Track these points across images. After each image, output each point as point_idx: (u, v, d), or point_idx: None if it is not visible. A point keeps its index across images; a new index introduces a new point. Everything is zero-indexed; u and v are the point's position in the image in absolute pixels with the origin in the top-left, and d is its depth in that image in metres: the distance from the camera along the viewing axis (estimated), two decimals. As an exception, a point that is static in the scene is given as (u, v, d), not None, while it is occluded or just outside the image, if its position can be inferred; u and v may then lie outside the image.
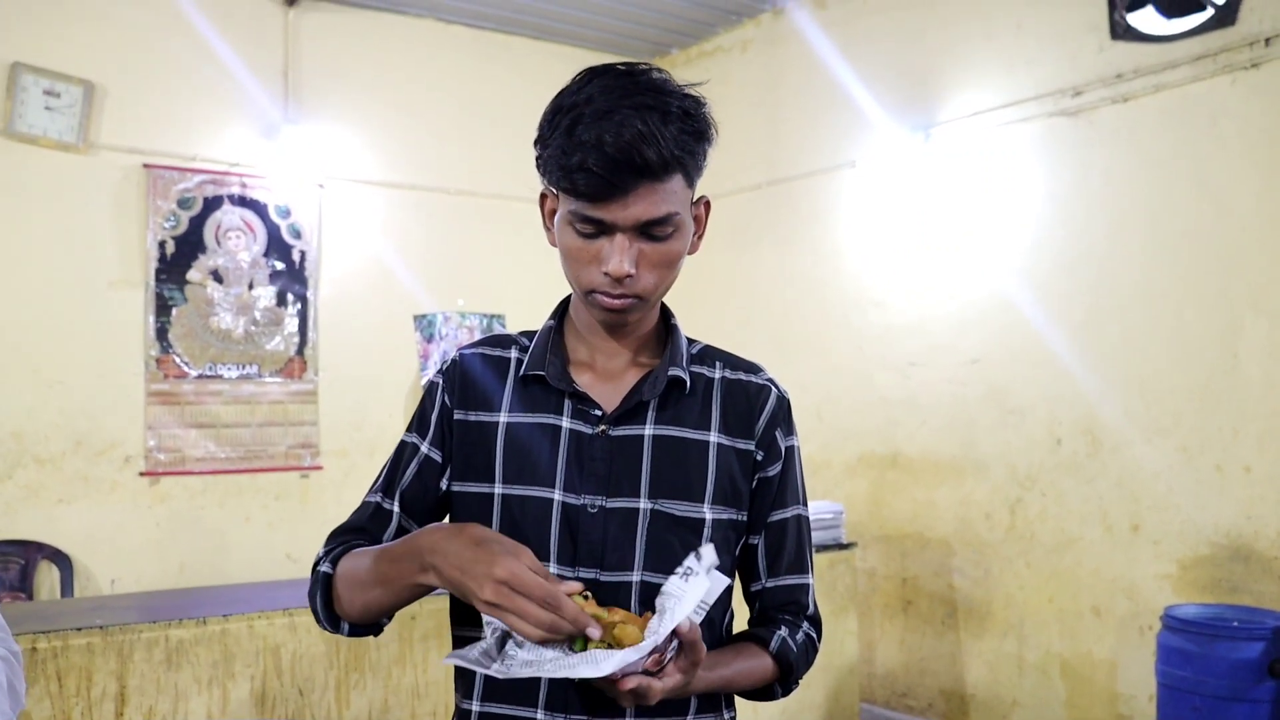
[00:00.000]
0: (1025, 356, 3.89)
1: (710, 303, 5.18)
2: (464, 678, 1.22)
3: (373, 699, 2.61)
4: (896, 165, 4.37)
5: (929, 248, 4.26)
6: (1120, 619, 3.59)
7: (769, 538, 1.25)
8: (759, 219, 5.04)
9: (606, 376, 1.22)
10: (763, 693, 1.25)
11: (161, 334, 4.32)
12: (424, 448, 1.24)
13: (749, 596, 1.29)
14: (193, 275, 4.39)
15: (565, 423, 1.19)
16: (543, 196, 1.19)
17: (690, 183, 1.14)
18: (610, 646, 1.00)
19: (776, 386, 1.27)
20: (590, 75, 1.10)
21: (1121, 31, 3.58)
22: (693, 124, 1.09)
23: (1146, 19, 3.51)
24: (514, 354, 1.25)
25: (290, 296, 4.62)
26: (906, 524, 4.33)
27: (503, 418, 1.22)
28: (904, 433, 4.34)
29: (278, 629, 2.50)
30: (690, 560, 1.04)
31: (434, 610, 2.69)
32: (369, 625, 1.20)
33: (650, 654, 0.99)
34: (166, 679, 2.35)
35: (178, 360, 4.35)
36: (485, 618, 1.05)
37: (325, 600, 1.19)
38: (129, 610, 2.53)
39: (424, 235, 4.97)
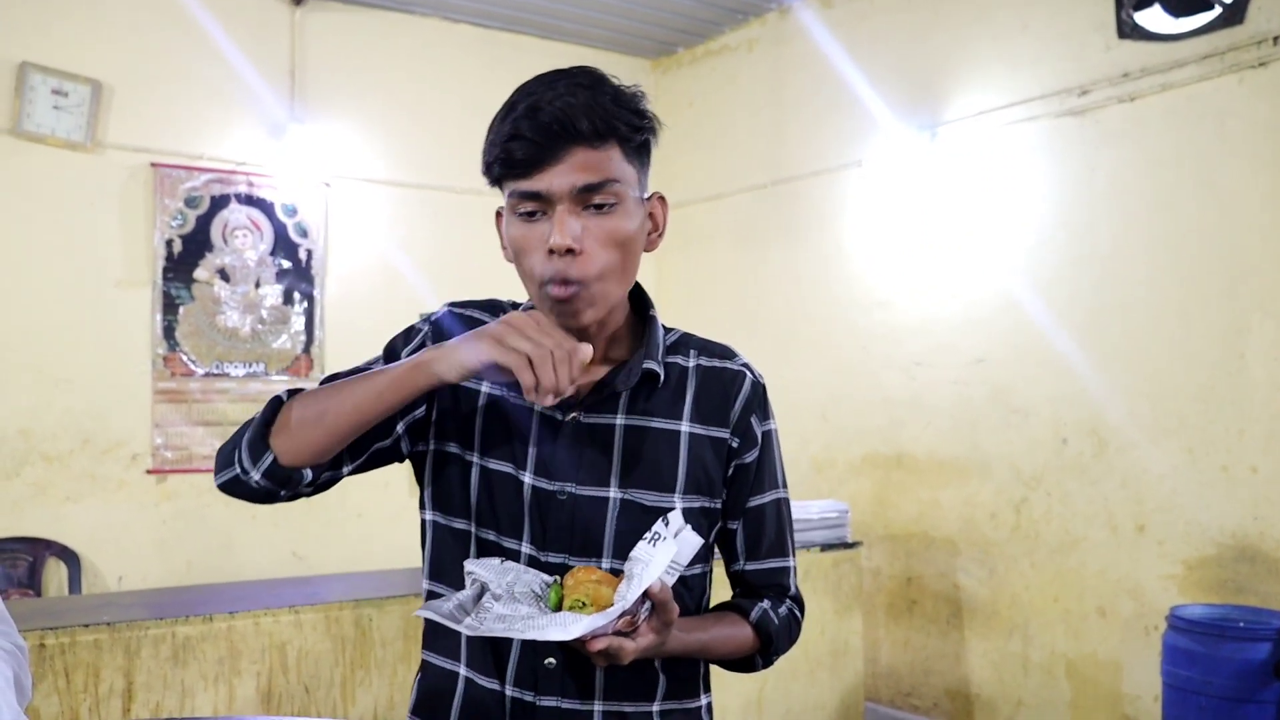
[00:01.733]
0: (1030, 357, 3.89)
1: (715, 301, 5.18)
2: (445, 635, 1.21)
3: (378, 696, 2.62)
4: (902, 165, 4.36)
5: (934, 247, 4.26)
6: (1125, 619, 3.59)
7: (748, 523, 1.25)
8: (764, 218, 5.04)
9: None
10: (742, 663, 1.26)
11: (168, 332, 4.33)
12: None
13: (731, 579, 1.29)
14: (199, 274, 4.41)
15: (537, 406, 1.18)
16: (498, 215, 1.18)
17: (631, 162, 1.12)
18: (584, 605, 1.02)
19: (752, 371, 1.26)
20: (525, 82, 1.12)
21: (1128, 31, 3.57)
22: (628, 102, 1.11)
23: (1153, 18, 3.50)
24: None
25: (297, 295, 4.63)
26: (911, 524, 4.32)
27: (484, 387, 1.21)
28: (908, 432, 4.34)
29: (284, 626, 2.51)
30: (658, 525, 1.05)
31: (439, 608, 2.70)
32: (292, 467, 1.10)
33: (620, 617, 1.00)
34: (173, 675, 2.37)
35: (184, 358, 4.37)
36: (466, 568, 1.09)
37: (263, 424, 1.11)
38: (136, 607, 2.54)
39: (430, 234, 4.98)
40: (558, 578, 1.10)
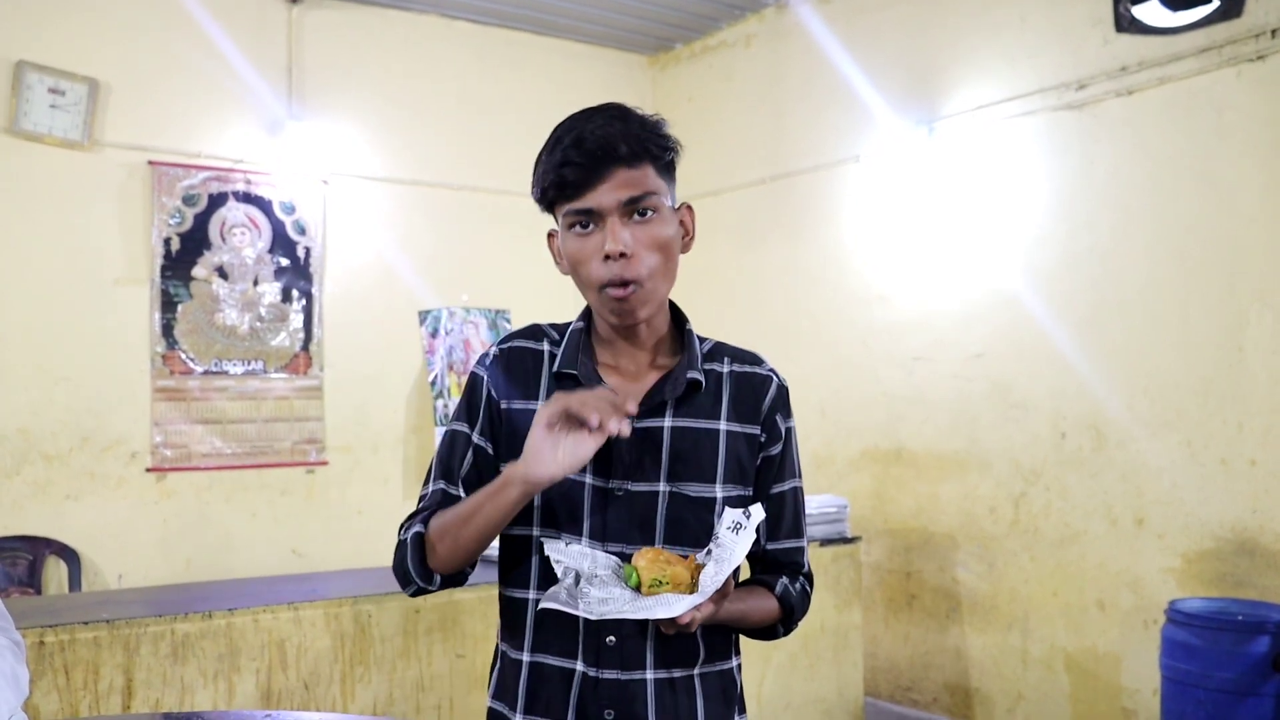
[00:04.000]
0: (1029, 351, 3.89)
1: (715, 297, 5.18)
2: (513, 629, 1.37)
3: (377, 692, 2.62)
4: (900, 160, 4.36)
5: (933, 242, 4.26)
6: (1125, 613, 3.59)
7: (770, 508, 1.42)
8: (763, 214, 5.03)
9: (630, 377, 1.38)
10: (767, 631, 1.44)
11: (167, 330, 4.33)
12: (475, 437, 1.38)
13: (752, 558, 1.44)
14: (198, 272, 4.40)
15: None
16: (549, 237, 1.38)
17: (662, 177, 1.31)
18: (662, 584, 1.17)
19: (777, 376, 1.46)
20: (563, 120, 1.32)
21: (1126, 24, 3.57)
22: (654, 129, 1.31)
23: (1151, 11, 3.50)
24: (546, 347, 1.40)
25: (295, 292, 4.63)
26: (910, 518, 4.33)
27: (541, 405, 1.34)
28: (908, 427, 4.34)
29: (283, 623, 2.51)
30: (739, 516, 1.21)
31: (437, 605, 2.70)
32: (456, 574, 1.34)
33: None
34: (173, 672, 2.37)
35: (183, 357, 4.37)
36: (551, 556, 1.24)
37: (419, 558, 1.32)
38: (136, 604, 2.54)
39: (428, 231, 4.98)
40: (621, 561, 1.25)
